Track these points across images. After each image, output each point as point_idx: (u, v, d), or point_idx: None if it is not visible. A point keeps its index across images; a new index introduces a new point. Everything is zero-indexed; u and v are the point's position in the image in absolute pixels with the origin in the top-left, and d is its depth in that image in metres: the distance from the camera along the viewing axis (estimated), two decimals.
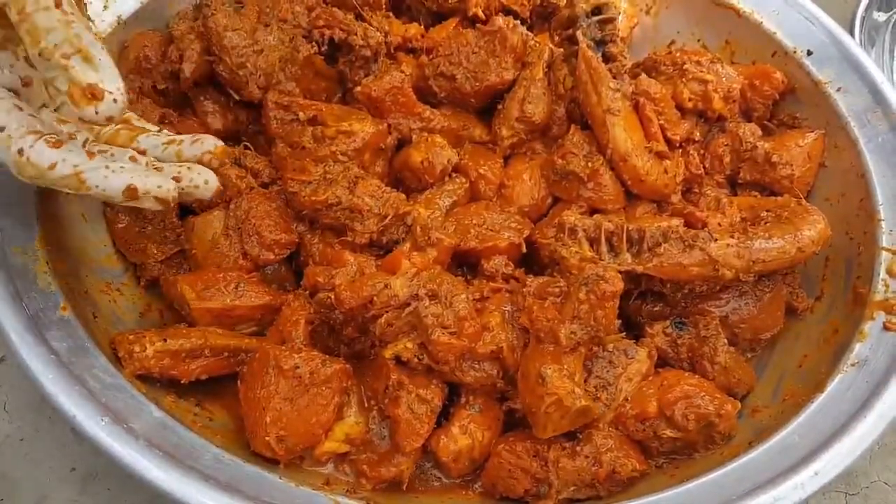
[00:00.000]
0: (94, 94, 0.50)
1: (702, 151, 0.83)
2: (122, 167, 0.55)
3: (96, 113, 0.51)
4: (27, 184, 0.66)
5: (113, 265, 0.74)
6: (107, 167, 0.54)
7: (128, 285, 0.74)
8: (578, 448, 0.64)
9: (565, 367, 0.62)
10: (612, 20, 0.80)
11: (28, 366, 0.57)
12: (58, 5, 0.51)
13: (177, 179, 0.60)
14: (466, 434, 0.65)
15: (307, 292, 0.69)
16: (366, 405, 0.66)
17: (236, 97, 0.79)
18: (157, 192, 0.56)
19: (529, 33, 0.83)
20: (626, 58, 0.81)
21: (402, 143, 0.79)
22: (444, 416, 0.67)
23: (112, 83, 0.51)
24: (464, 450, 0.65)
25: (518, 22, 0.82)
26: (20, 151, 0.52)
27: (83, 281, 0.69)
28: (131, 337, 0.65)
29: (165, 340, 0.65)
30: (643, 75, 0.79)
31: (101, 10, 0.78)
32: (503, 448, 0.65)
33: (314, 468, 0.64)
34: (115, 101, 0.51)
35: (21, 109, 0.54)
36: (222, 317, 0.69)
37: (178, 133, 0.70)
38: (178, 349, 0.65)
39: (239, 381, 0.65)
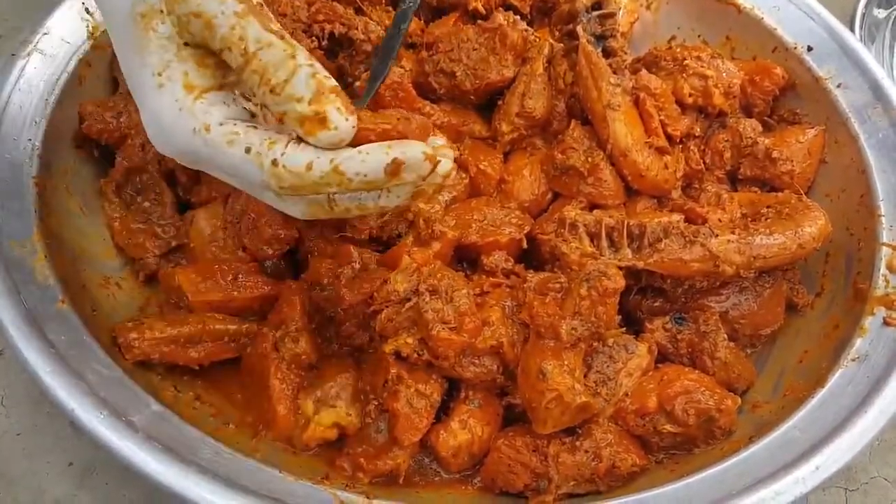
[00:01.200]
0: (322, 120, 0.49)
1: (702, 147, 0.82)
2: (372, 147, 0.51)
3: (331, 135, 0.49)
4: (25, 178, 0.67)
5: (111, 259, 0.74)
6: (358, 152, 0.51)
7: (126, 280, 0.73)
8: (578, 443, 0.64)
9: (566, 362, 0.62)
10: (612, 15, 0.80)
11: (26, 359, 0.57)
12: (281, 37, 0.51)
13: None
14: (466, 429, 0.65)
15: (309, 284, 0.69)
16: (361, 398, 0.66)
17: None
18: (418, 159, 0.51)
19: (530, 28, 0.83)
20: (626, 53, 0.81)
21: None
22: (443, 412, 0.67)
23: (338, 102, 0.50)
24: (463, 445, 0.65)
25: (518, 17, 0.82)
26: (274, 162, 0.50)
27: (81, 275, 0.69)
28: (130, 325, 0.65)
29: (165, 327, 0.65)
30: (643, 70, 0.79)
31: None
32: (503, 443, 0.65)
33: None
34: (346, 119, 0.50)
35: (257, 127, 0.52)
36: (221, 309, 0.69)
37: None
38: (177, 335, 0.65)
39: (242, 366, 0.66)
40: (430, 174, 0.53)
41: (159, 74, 0.51)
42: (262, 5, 0.53)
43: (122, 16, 0.52)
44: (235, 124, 0.52)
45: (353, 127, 0.50)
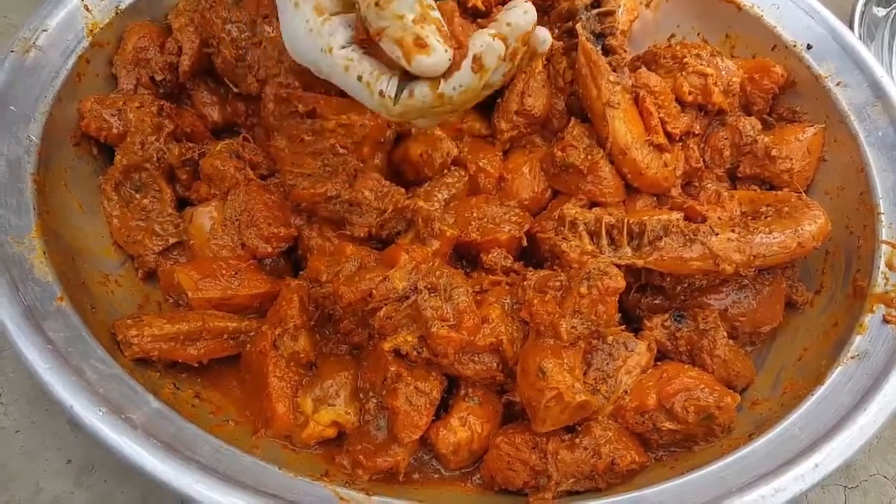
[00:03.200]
0: (421, 44, 0.51)
1: (702, 145, 0.82)
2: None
3: (428, 61, 0.51)
4: (24, 175, 0.67)
5: (110, 257, 0.73)
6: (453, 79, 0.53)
7: (126, 277, 0.73)
8: (578, 440, 0.63)
9: (565, 361, 0.62)
10: (611, 13, 0.80)
11: (25, 356, 0.57)
12: None
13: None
14: (465, 426, 0.65)
15: (308, 281, 0.69)
16: (360, 396, 0.66)
17: (234, 89, 0.79)
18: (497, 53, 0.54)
19: None
20: (625, 51, 0.81)
21: (401, 137, 0.79)
22: (443, 409, 0.67)
23: (438, 34, 0.51)
24: (463, 442, 0.65)
25: None
26: (381, 93, 0.53)
27: (80, 272, 0.68)
28: (129, 322, 0.65)
29: (164, 324, 0.65)
30: (643, 68, 0.79)
31: (99, 0, 0.77)
32: (502, 440, 0.65)
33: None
34: (445, 51, 0.51)
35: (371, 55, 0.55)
36: (220, 306, 0.69)
37: None
38: (176, 332, 0.65)
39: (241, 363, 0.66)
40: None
41: None
42: None
43: None
44: (354, 49, 0.54)
45: (450, 59, 0.52)
